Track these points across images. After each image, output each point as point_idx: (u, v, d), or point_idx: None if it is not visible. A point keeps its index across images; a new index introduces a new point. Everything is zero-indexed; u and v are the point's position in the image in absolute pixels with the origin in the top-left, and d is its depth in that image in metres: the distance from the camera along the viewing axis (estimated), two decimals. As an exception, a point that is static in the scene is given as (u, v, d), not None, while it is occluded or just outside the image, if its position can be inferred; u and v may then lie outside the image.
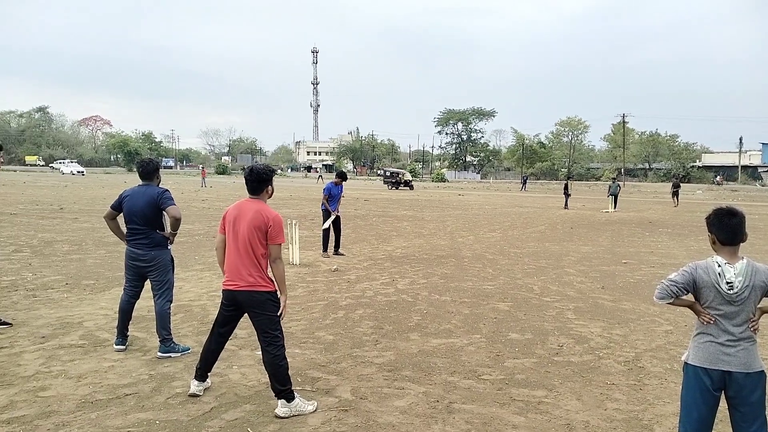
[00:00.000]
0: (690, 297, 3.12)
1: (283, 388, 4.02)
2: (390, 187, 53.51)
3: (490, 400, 4.36)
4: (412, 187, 53.21)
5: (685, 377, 3.14)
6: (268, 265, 4.09)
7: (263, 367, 4.91)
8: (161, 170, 5.58)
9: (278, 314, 4.09)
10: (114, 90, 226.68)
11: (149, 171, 5.31)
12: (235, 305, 4.13)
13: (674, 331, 6.37)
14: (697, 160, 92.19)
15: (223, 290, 4.18)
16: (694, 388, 3.05)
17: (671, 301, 3.09)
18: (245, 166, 5.07)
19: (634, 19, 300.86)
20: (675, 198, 33.27)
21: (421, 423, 3.95)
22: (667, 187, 43.66)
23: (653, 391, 4.62)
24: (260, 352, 5.25)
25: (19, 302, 6.96)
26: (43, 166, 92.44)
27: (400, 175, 56.13)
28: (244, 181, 4.19)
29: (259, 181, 4.08)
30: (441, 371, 4.97)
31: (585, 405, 4.31)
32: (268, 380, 4.13)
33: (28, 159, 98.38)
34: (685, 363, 3.13)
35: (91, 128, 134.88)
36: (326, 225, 11.23)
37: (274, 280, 4.08)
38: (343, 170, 12.01)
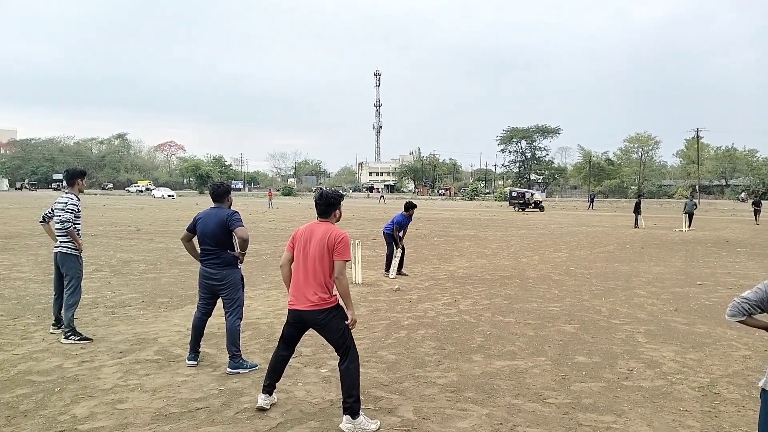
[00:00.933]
0: (765, 318, 2.99)
1: (353, 400, 4.10)
2: (516, 209, 49.34)
3: (556, 425, 4.27)
4: (542, 209, 48.59)
5: (763, 404, 2.98)
6: (331, 284, 4.22)
7: (327, 385, 5.02)
8: (232, 192, 5.84)
9: (346, 324, 4.19)
10: (188, 116, 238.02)
11: (220, 194, 5.57)
12: (300, 324, 4.30)
13: (753, 356, 6.04)
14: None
15: (289, 310, 4.35)
16: (774, 417, 2.90)
17: (743, 319, 2.96)
18: (313, 188, 5.30)
19: (706, 30, 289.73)
20: (756, 216, 31.73)
21: (484, 445, 3.91)
22: (747, 205, 41.39)
23: (729, 419, 4.39)
24: (324, 370, 5.38)
25: (98, 319, 7.37)
26: (111, 188, 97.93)
27: (528, 196, 52.43)
28: (314, 205, 4.43)
29: (328, 204, 4.34)
30: (505, 393, 4.91)
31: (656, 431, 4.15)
32: (336, 396, 4.22)
33: (141, 183, 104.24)
34: (763, 389, 2.99)
35: (166, 153, 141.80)
36: (398, 255, 11.27)
37: (337, 295, 4.21)
38: (412, 201, 12.06)
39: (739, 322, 2.98)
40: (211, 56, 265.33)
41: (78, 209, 6.39)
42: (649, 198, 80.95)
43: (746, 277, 11.67)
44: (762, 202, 35.49)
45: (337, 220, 4.44)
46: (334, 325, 4.18)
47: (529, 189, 64.04)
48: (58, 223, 6.30)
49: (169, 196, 72.52)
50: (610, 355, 6.05)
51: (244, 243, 5.36)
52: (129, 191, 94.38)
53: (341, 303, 4.26)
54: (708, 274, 12.12)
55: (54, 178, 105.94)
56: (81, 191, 6.51)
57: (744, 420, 4.36)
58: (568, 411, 4.53)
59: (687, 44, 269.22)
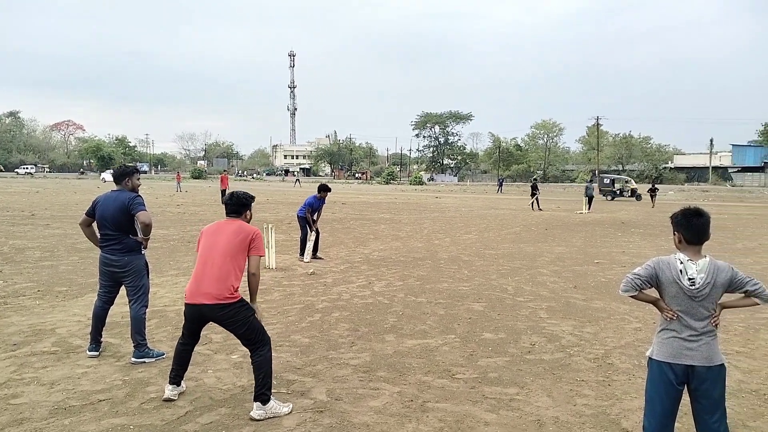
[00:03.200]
0: (654, 293, 3.23)
1: (266, 389, 4.06)
2: (609, 198, 42.12)
3: (464, 399, 4.44)
4: (639, 197, 41.01)
5: (649, 372, 3.23)
6: (238, 279, 4.11)
7: (238, 371, 4.95)
8: (139, 175, 5.53)
9: (254, 315, 4.12)
10: (88, 94, 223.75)
11: (118, 175, 5.30)
12: (199, 318, 4.16)
13: (643, 329, 6.53)
14: (669, 162, 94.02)
15: (186, 305, 4.17)
16: (658, 383, 3.14)
17: (635, 293, 3.19)
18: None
19: (609, 24, 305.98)
20: (653, 200, 34.08)
21: (395, 422, 4.01)
22: (641, 188, 44.16)
23: (621, 387, 4.74)
24: (235, 356, 5.29)
25: (-11, 310, 6.86)
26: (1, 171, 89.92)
27: (621, 183, 45.22)
28: (224, 205, 4.34)
29: (239, 204, 4.28)
30: (416, 371, 5.04)
31: (555, 401, 4.41)
32: (248, 382, 4.15)
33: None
34: (650, 358, 3.23)
35: (63, 133, 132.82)
36: (312, 238, 11.17)
37: (239, 291, 4.10)
38: (326, 183, 11.96)
39: (631, 296, 3.21)
40: (116, 33, 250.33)
41: None
42: (553, 182, 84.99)
43: (639, 255, 12.55)
44: (657, 187, 37.87)
45: (248, 221, 4.34)
46: (240, 317, 4.05)
47: (620, 175, 53.47)
48: None
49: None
50: (514, 331, 6.35)
51: (147, 228, 5.11)
52: (18, 173, 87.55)
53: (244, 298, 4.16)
54: (605, 253, 12.93)
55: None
56: None
57: (634, 387, 4.71)
58: (475, 385, 4.72)
59: (590, 36, 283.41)
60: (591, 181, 38.51)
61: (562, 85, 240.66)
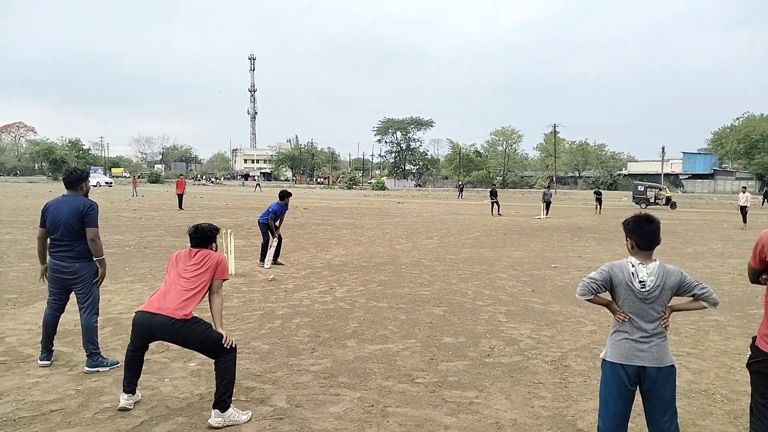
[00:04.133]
0: (608, 296, 3.32)
1: (227, 396, 4.01)
2: (643, 206, 39.08)
3: (424, 403, 4.47)
4: (674, 206, 39.16)
5: (602, 373, 3.31)
6: (196, 302, 4.09)
7: (196, 379, 4.87)
8: (90, 180, 5.43)
9: (209, 328, 4.07)
10: (39, 96, 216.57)
11: (73, 180, 5.16)
12: (149, 330, 4.07)
13: (598, 331, 6.69)
14: (623, 169, 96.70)
15: (140, 312, 4.10)
16: (611, 384, 3.23)
17: (591, 297, 3.28)
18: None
19: (565, 33, 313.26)
20: (598, 206, 33.54)
21: (355, 428, 4.00)
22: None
23: (577, 389, 4.85)
24: (193, 364, 5.20)
25: (-68, 319, 6.57)
26: None
27: (655, 191, 42.77)
28: (189, 237, 4.35)
29: (204, 238, 4.32)
30: (376, 376, 5.05)
31: (513, 404, 4.49)
32: (206, 390, 4.08)
33: (115, 171, 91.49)
34: (603, 360, 3.32)
35: (13, 135, 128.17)
36: (274, 245, 11.09)
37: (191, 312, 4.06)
38: (287, 190, 11.92)
39: (587, 300, 3.30)
40: (71, 34, 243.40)
41: None
42: (512, 188, 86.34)
43: (594, 260, 12.86)
44: (602, 192, 37.88)
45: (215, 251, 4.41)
46: (196, 333, 3.99)
47: (656, 183, 51.02)
48: None
49: (106, 183, 63.74)
50: (474, 335, 6.42)
51: (93, 244, 4.97)
52: None
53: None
54: (562, 257, 13.21)
55: None
56: None
57: (589, 389, 4.83)
58: (435, 389, 4.76)
59: (548, 46, 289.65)
60: (549, 186, 39.20)
61: (521, 93, 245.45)
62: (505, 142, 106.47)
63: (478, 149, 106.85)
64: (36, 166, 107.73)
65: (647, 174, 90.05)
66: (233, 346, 4.13)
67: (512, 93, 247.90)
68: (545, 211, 28.51)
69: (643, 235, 3.24)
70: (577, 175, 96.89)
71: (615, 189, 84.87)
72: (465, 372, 5.20)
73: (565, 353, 5.85)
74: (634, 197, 43.09)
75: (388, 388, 4.77)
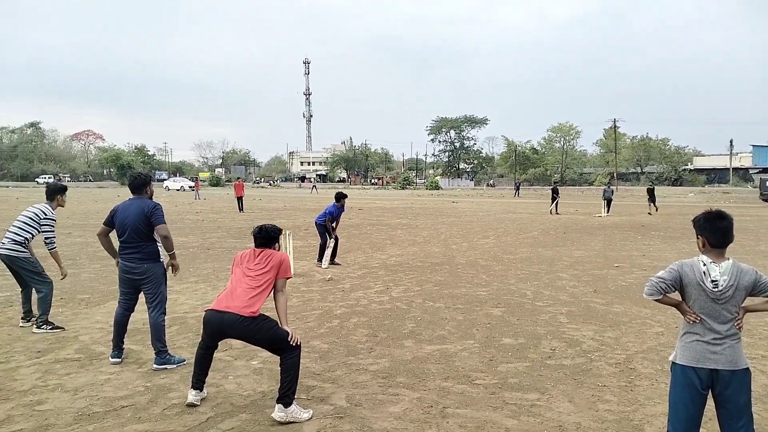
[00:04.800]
0: (677, 296, 3.20)
1: (291, 392, 4.10)
2: None
3: (484, 405, 4.42)
4: None
5: (672, 377, 3.20)
6: (262, 300, 4.19)
7: (258, 377, 4.98)
8: (153, 183, 5.66)
9: (276, 325, 4.16)
10: (107, 104, 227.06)
11: (138, 185, 5.38)
12: (219, 328, 4.18)
13: (665, 333, 6.45)
14: (689, 163, 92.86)
15: (210, 311, 4.22)
16: (682, 387, 3.11)
17: (659, 297, 3.16)
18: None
19: (623, 25, 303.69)
20: (652, 204, 29.48)
21: (415, 428, 4.00)
22: (660, 190, 43.13)
23: (644, 392, 4.69)
24: (255, 362, 5.32)
25: (14, 318, 6.97)
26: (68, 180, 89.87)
27: None
28: (253, 238, 4.49)
29: (268, 238, 4.46)
30: (435, 377, 5.02)
31: (577, 407, 4.37)
32: (267, 388, 4.17)
33: (202, 175, 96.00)
34: (673, 363, 3.20)
35: (83, 143, 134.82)
36: (331, 245, 11.24)
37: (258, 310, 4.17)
38: (343, 191, 12.09)
39: (655, 300, 3.18)
40: (131, 43, 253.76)
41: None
42: (571, 185, 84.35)
43: (659, 258, 12.40)
44: (654, 188, 33.22)
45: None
46: (263, 330, 4.10)
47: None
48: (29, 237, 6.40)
49: (189, 187, 63.17)
50: (534, 336, 6.30)
51: (167, 241, 5.20)
52: (38, 183, 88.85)
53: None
54: (624, 256, 12.80)
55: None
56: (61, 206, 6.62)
57: (657, 392, 4.65)
58: (495, 391, 4.69)
59: (604, 39, 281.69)
60: (609, 183, 38.01)
61: (577, 88, 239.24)
62: (562, 139, 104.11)
63: (534, 146, 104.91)
64: (105, 171, 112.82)
65: (715, 169, 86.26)
66: (298, 343, 4.20)
67: (568, 89, 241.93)
68: (606, 209, 27.73)
69: (715, 232, 3.10)
70: (639, 170, 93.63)
71: (680, 185, 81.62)
72: (525, 374, 5.11)
73: (631, 355, 5.66)
74: (762, 193, 39.84)
75: (447, 388, 4.74)
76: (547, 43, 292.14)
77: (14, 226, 6.43)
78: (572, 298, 8.34)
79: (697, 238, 3.18)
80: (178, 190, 62.61)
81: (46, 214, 6.41)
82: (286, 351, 4.14)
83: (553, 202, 28.90)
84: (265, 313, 4.25)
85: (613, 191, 29.87)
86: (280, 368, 4.17)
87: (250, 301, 4.10)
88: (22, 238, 6.35)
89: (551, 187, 31.42)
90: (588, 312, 7.46)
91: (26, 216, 6.43)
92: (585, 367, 5.31)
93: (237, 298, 4.13)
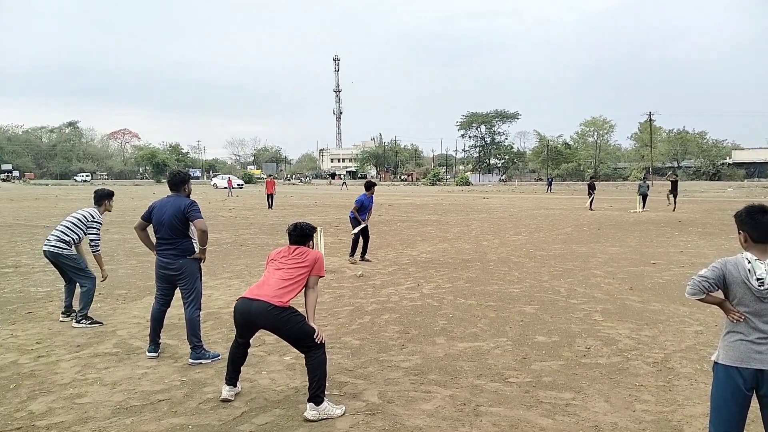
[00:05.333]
0: (720, 294, 3.11)
1: (320, 390, 4.11)
2: None
3: (517, 403, 4.36)
4: None
5: (715, 377, 3.11)
6: (293, 294, 4.21)
7: (291, 372, 5.01)
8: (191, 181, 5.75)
9: (304, 320, 4.18)
10: (142, 104, 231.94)
11: (177, 182, 5.46)
12: (249, 317, 4.21)
13: (704, 332, 6.28)
14: (728, 157, 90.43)
15: (240, 299, 4.27)
16: (725, 388, 3.02)
17: (702, 297, 3.08)
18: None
19: (657, 16, 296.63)
20: (671, 198, 27.44)
21: (448, 426, 3.97)
22: (698, 185, 42.08)
23: (683, 392, 4.57)
24: (288, 358, 5.36)
25: (54, 312, 7.17)
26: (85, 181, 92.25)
27: None
28: (288, 235, 4.52)
29: (302, 236, 4.49)
30: (467, 374, 4.99)
31: (613, 407, 4.29)
32: (300, 383, 4.20)
33: (254, 173, 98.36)
34: (715, 363, 3.11)
35: (119, 141, 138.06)
36: (356, 231, 11.31)
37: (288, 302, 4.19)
38: (371, 180, 12.25)
39: (698, 299, 3.10)
40: (163, 44, 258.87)
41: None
42: (605, 180, 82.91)
43: (698, 255, 12.10)
44: (677, 175, 32.27)
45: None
46: (291, 323, 4.11)
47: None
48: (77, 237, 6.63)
49: (237, 185, 61.79)
50: (568, 334, 6.20)
51: (203, 235, 5.28)
52: (76, 181, 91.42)
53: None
54: (661, 253, 12.51)
55: (2, 168, 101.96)
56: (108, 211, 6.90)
57: (696, 393, 4.53)
58: (529, 389, 4.63)
59: (638, 31, 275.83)
60: (645, 178, 37.09)
61: (611, 81, 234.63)
62: (596, 133, 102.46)
63: (567, 141, 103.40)
64: (140, 169, 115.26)
65: (755, 162, 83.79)
66: (323, 341, 4.21)
67: (602, 82, 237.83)
68: (641, 204, 27.14)
69: (757, 226, 3.00)
70: (676, 165, 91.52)
71: (718, 179, 79.54)
72: (560, 372, 5.03)
73: (669, 354, 5.53)
74: None
75: (480, 386, 4.70)
76: (582, 34, 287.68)
77: (62, 225, 6.66)
78: (607, 295, 8.19)
79: (739, 233, 3.09)
80: (225, 187, 62.72)
81: (93, 217, 6.61)
82: (310, 349, 4.14)
83: (590, 198, 28.39)
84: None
85: (648, 186, 29.15)
86: (306, 368, 4.19)
87: (280, 291, 4.12)
88: (69, 239, 6.57)
89: (587, 182, 30.78)
90: (624, 310, 7.32)
91: (75, 218, 6.67)
92: (621, 366, 5.20)
93: (268, 288, 4.16)
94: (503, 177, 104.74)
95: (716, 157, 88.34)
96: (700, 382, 4.73)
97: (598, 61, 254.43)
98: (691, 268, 10.34)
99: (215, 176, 77.75)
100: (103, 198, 6.79)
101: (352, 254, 11.33)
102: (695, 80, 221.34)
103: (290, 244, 4.47)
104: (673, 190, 27.70)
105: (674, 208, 26.70)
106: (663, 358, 5.41)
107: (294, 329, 4.12)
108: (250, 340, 4.48)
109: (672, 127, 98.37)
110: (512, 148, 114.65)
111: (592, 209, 27.46)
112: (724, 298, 3.09)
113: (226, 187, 53.19)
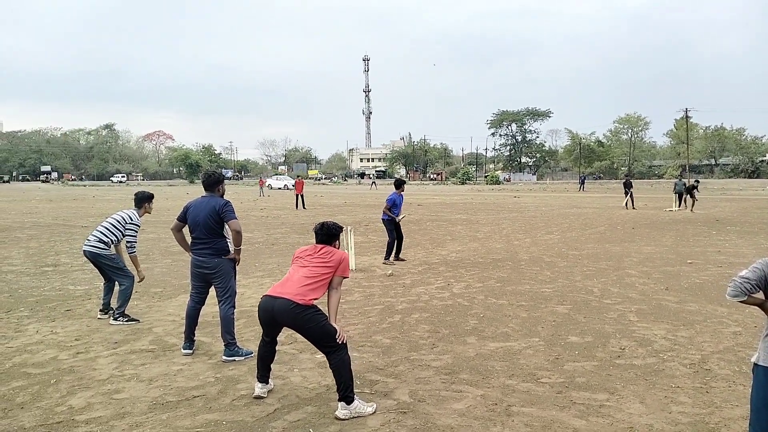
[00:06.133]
0: (761, 295, 3.03)
1: (349, 391, 4.12)
2: None
3: (550, 404, 4.32)
4: None
5: (755, 379, 3.03)
6: (317, 293, 4.21)
7: (323, 370, 5.05)
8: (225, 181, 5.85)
9: (327, 320, 4.20)
10: (175, 106, 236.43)
11: (212, 182, 5.56)
12: (272, 314, 4.22)
13: (743, 333, 6.12)
14: (767, 154, 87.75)
15: (264, 297, 4.30)
16: (766, 390, 2.95)
17: (744, 298, 3.00)
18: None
19: (693, 13, 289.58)
20: (683, 198, 26.51)
21: (479, 425, 3.95)
22: (736, 183, 40.95)
23: (720, 394, 4.46)
24: (320, 356, 5.40)
25: (92, 310, 7.36)
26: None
27: None
28: (314, 234, 4.53)
29: (328, 235, 4.49)
30: (499, 374, 4.95)
31: (648, 408, 4.21)
32: (332, 381, 4.23)
33: (311, 173, 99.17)
34: (755, 365, 3.03)
35: (154, 143, 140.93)
36: (400, 218, 11.35)
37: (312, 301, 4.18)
38: (401, 179, 12.39)
39: (740, 301, 3.02)
40: (196, 47, 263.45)
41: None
42: (639, 178, 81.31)
43: (737, 255, 11.79)
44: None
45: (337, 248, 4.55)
46: (314, 322, 4.11)
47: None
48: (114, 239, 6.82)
49: (292, 185, 60.68)
50: (602, 335, 6.11)
51: (238, 236, 5.38)
52: (112, 182, 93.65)
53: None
54: (698, 252, 12.23)
55: (42, 170, 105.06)
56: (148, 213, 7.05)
57: (735, 395, 4.42)
58: (562, 390, 4.58)
59: (673, 27, 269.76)
60: (681, 176, 36.30)
61: (645, 79, 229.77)
62: (630, 130, 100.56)
63: (600, 138, 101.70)
64: (174, 170, 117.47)
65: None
66: (344, 341, 4.21)
67: (636, 79, 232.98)
68: (677, 203, 26.54)
69: None
70: (713, 162, 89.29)
71: (757, 177, 77.29)
72: (594, 373, 4.96)
73: (706, 356, 5.40)
74: None
75: (512, 386, 4.67)
76: (616, 31, 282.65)
77: (102, 226, 6.85)
78: (642, 295, 8.04)
79: None
80: (280, 188, 61.67)
81: (132, 220, 6.76)
82: (333, 349, 4.14)
83: (627, 196, 27.69)
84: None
85: (684, 184, 28.48)
86: (331, 370, 4.20)
87: (303, 289, 4.13)
88: (108, 240, 6.75)
89: (623, 180, 30.10)
90: (659, 310, 7.17)
91: (114, 219, 6.84)
92: (657, 367, 5.10)
93: (291, 286, 4.18)
94: (536, 175, 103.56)
95: (755, 154, 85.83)
96: (739, 384, 4.62)
97: (631, 58, 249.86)
98: (730, 267, 10.08)
99: (271, 177, 76.67)
100: (143, 200, 6.93)
101: (387, 258, 11.25)
102: (733, 76, 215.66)
103: (316, 242, 4.48)
104: (690, 192, 26.08)
105: (693, 209, 25.44)
106: (700, 360, 5.29)
107: (316, 328, 4.13)
108: (280, 338, 4.52)
109: (709, 123, 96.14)
110: (543, 146, 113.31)
111: (634, 208, 26.75)
112: (765, 298, 3.01)
113: (281, 188, 53.45)
